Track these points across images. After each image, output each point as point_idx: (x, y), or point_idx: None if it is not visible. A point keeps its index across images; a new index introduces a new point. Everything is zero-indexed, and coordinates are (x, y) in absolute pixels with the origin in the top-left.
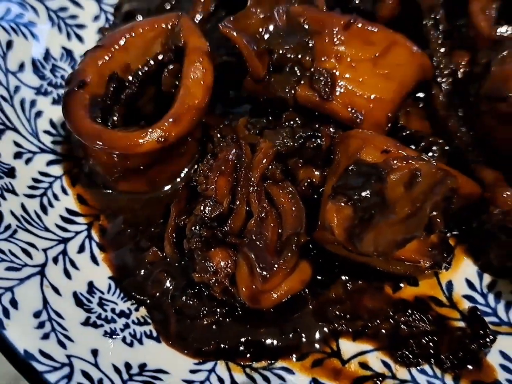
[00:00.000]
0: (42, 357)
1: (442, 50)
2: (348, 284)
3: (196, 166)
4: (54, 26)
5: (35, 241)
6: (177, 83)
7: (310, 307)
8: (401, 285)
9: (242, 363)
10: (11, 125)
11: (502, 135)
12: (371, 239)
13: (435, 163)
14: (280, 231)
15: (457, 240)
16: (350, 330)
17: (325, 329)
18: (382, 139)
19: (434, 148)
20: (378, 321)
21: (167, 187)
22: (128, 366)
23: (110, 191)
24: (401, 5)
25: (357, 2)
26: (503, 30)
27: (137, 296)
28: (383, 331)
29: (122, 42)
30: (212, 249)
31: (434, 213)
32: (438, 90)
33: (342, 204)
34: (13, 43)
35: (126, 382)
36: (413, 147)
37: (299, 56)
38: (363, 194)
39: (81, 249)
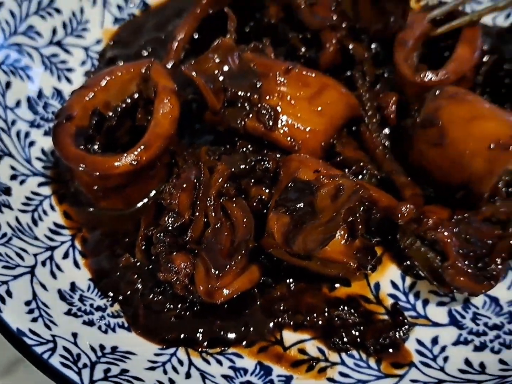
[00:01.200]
0: (32, 334)
1: (367, 95)
2: (291, 285)
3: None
4: (47, 70)
5: (26, 247)
6: (148, 118)
7: (258, 303)
8: (336, 285)
9: (199, 349)
10: (8, 152)
11: (431, 158)
12: (301, 240)
13: (355, 180)
14: (233, 239)
15: (385, 247)
16: (292, 323)
17: (271, 322)
18: (314, 161)
19: (364, 171)
20: (315, 314)
21: (139, 205)
22: (102, 347)
23: (92, 209)
24: (341, 55)
25: (303, 51)
26: (424, 75)
27: (112, 294)
28: (319, 323)
29: (103, 83)
30: (174, 253)
31: (354, 220)
32: (365, 127)
33: (281, 214)
34: (11, 83)
35: (100, 358)
36: (346, 170)
37: (248, 94)
38: (298, 205)
39: (66, 255)
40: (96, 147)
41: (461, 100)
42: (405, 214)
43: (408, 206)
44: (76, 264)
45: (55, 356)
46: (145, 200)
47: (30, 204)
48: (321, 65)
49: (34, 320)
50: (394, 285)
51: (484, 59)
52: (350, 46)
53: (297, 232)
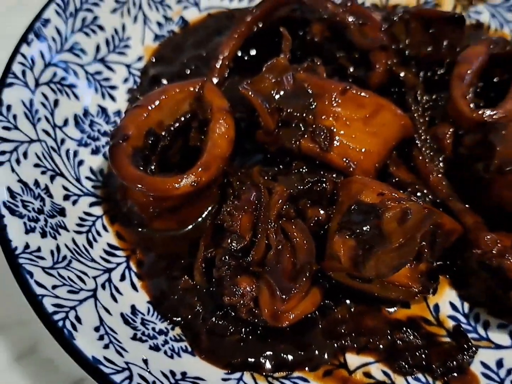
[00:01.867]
0: (107, 362)
1: (421, 120)
2: (351, 307)
3: (217, 206)
4: (91, 87)
5: (86, 270)
6: (202, 137)
7: (320, 326)
8: (395, 308)
9: (264, 374)
10: (59, 171)
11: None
12: (372, 265)
13: (422, 203)
14: (294, 260)
15: (443, 271)
16: (355, 345)
17: (333, 345)
18: (378, 184)
19: (418, 194)
20: (377, 337)
21: (192, 225)
22: (172, 373)
23: (144, 229)
24: (389, 75)
25: (351, 70)
26: (485, 112)
27: (172, 318)
28: (382, 346)
29: (157, 102)
30: (239, 276)
31: (422, 243)
32: (418, 151)
33: (347, 237)
34: (59, 101)
35: None
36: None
37: (303, 115)
38: (364, 228)
39: (123, 277)
40: (152, 167)
41: None
42: (489, 243)
43: (492, 236)
44: (133, 286)
45: None
46: (199, 221)
47: (83, 225)
48: (370, 85)
49: (106, 346)
50: (453, 306)
51: None
52: (402, 74)
53: (367, 257)
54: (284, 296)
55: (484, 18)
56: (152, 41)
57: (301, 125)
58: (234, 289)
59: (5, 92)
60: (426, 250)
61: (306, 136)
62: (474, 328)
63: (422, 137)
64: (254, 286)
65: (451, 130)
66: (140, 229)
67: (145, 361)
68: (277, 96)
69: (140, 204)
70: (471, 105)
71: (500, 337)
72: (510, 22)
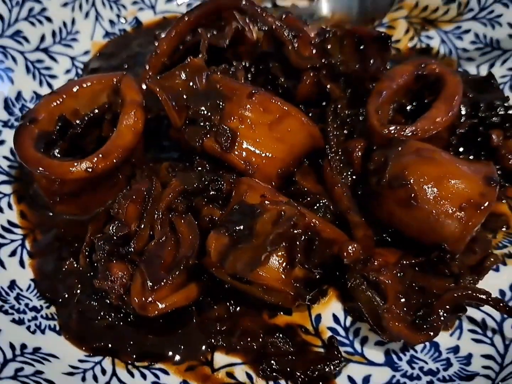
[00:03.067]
0: None
1: (336, 132)
2: (231, 307)
3: None
4: (29, 74)
5: None
6: (114, 129)
7: (194, 321)
8: (278, 313)
9: (126, 361)
10: None
11: (401, 217)
12: (231, 261)
13: (298, 208)
14: (176, 254)
15: (332, 282)
16: (225, 345)
17: (204, 342)
18: (262, 186)
19: (320, 204)
20: (249, 339)
21: (95, 212)
22: (23, 346)
23: (49, 212)
24: (317, 88)
25: (282, 80)
26: (392, 129)
27: (50, 297)
28: (252, 348)
29: (74, 90)
30: (113, 261)
31: (292, 248)
32: (327, 162)
33: (221, 234)
34: None
35: (17, 356)
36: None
37: (209, 114)
38: (238, 227)
39: (13, 253)
40: (56, 152)
41: (428, 159)
42: (351, 254)
43: (354, 245)
44: (21, 263)
45: None
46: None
47: None
48: (297, 96)
49: None
50: (335, 319)
51: (462, 119)
52: (328, 86)
53: (230, 253)
54: (153, 285)
55: (435, 43)
56: (102, 37)
57: (206, 124)
58: (106, 273)
59: None
60: (298, 255)
61: (209, 135)
62: (351, 342)
63: (334, 149)
64: (126, 273)
65: (362, 144)
66: (44, 212)
67: None
68: (186, 94)
69: (43, 187)
70: (383, 121)
71: (374, 353)
72: (459, 49)
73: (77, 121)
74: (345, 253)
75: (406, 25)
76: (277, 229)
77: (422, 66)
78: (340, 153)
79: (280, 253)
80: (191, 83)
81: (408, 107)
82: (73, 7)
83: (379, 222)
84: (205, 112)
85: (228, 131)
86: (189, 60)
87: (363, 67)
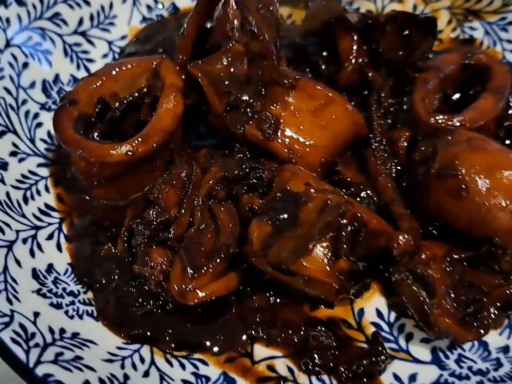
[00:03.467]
0: None
1: (380, 121)
2: (271, 298)
3: None
4: (67, 57)
5: (10, 222)
6: (153, 113)
7: (234, 311)
8: (319, 306)
9: (165, 350)
10: (12, 129)
11: (450, 209)
12: (276, 250)
13: (345, 196)
14: (216, 242)
15: (375, 275)
16: (265, 337)
17: (244, 333)
18: (307, 174)
19: (363, 195)
20: (290, 331)
21: (133, 197)
22: (62, 330)
23: (86, 196)
24: (359, 78)
25: (323, 67)
26: (439, 118)
27: (86, 281)
28: (293, 341)
29: (113, 73)
30: (153, 247)
31: (338, 238)
32: (370, 151)
33: (264, 222)
34: (29, 64)
35: (56, 340)
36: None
37: (252, 100)
38: (282, 215)
39: (50, 237)
40: (95, 134)
41: (479, 149)
42: (402, 245)
43: (405, 236)
44: (58, 247)
45: (7, 331)
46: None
47: (24, 182)
48: (339, 83)
49: None
50: (379, 313)
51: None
52: (370, 74)
53: (274, 241)
54: (192, 272)
55: (478, 34)
56: (139, 22)
57: (248, 110)
58: (146, 259)
59: None
60: (344, 246)
61: (251, 122)
62: (396, 339)
63: (378, 139)
64: (166, 260)
65: (407, 134)
66: (82, 195)
67: (36, 314)
68: (228, 80)
69: (82, 170)
70: (429, 110)
71: (420, 351)
72: (503, 40)
73: (116, 104)
74: (395, 244)
75: (448, 15)
76: (326, 217)
77: (469, 55)
78: (384, 142)
79: (325, 244)
80: (232, 69)
81: (453, 97)
82: None
83: (425, 214)
84: (247, 98)
85: (271, 118)
86: (230, 45)
87: (407, 54)
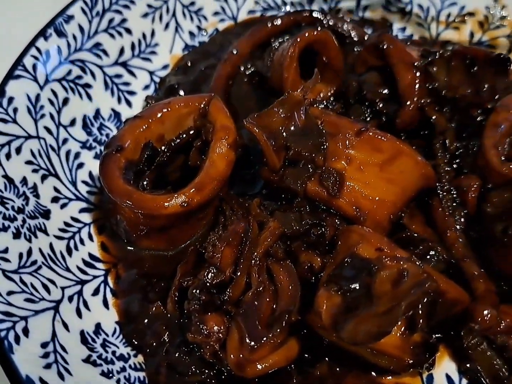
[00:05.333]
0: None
1: (447, 168)
2: (333, 365)
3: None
4: (107, 90)
5: (55, 279)
6: (203, 157)
7: (295, 381)
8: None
9: None
10: (54, 172)
11: None
12: (351, 329)
13: (422, 266)
14: (274, 306)
15: (444, 340)
16: None
17: None
18: (378, 237)
19: (432, 253)
20: None
21: (182, 247)
22: None
23: (131, 247)
24: (419, 117)
25: (380, 106)
26: None
27: (136, 343)
28: None
29: (159, 115)
30: (209, 314)
31: (414, 312)
32: (438, 202)
33: (333, 292)
34: (69, 100)
35: None
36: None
37: (313, 155)
38: (353, 285)
39: (96, 292)
40: (145, 183)
41: None
42: (487, 320)
43: (491, 311)
44: (105, 303)
45: None
46: (189, 243)
47: (67, 230)
48: (398, 123)
49: (48, 366)
50: (449, 380)
51: None
52: (433, 117)
53: (348, 318)
54: (253, 344)
55: None
56: (181, 50)
57: (309, 166)
58: (201, 327)
59: (10, 84)
60: (421, 320)
61: (313, 178)
62: None
63: (445, 188)
64: (223, 327)
65: (477, 183)
66: (127, 245)
67: None
68: (285, 133)
69: (129, 220)
70: (503, 158)
71: None
72: None
73: (163, 148)
74: (479, 319)
75: (508, 44)
76: (410, 298)
77: None
78: (452, 191)
79: None
80: (289, 121)
81: None
82: (153, 18)
83: (502, 274)
84: (307, 153)
85: (334, 173)
86: (287, 94)
87: (474, 93)
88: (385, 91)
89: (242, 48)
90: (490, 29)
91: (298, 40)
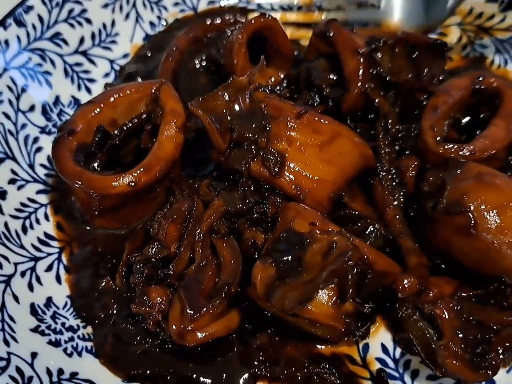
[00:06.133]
0: None
1: (387, 149)
2: (274, 336)
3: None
4: (67, 77)
5: (8, 255)
6: (154, 140)
7: (236, 350)
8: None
9: None
10: (11, 155)
11: (458, 246)
12: (279, 297)
13: (350, 239)
14: (216, 280)
15: (380, 311)
16: (268, 374)
17: (245, 372)
18: (311, 213)
19: (371, 229)
20: (293, 369)
21: (134, 226)
22: (60, 371)
23: (86, 226)
24: (364, 101)
25: (327, 91)
26: (448, 148)
27: (85, 315)
28: (298, 378)
29: (111, 100)
30: (152, 286)
31: (344, 282)
32: (378, 182)
33: (268, 264)
34: (28, 87)
35: (54, 383)
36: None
37: (256, 137)
38: (286, 257)
39: (49, 268)
40: (95, 165)
41: (489, 185)
42: (407, 288)
43: (411, 279)
44: (58, 278)
45: (3, 377)
46: (142, 222)
47: (23, 210)
48: (344, 107)
49: None
50: (384, 349)
51: None
52: (376, 100)
53: (278, 287)
54: (192, 313)
55: (489, 52)
56: (141, 39)
57: (253, 147)
58: (144, 298)
59: None
60: (350, 290)
61: (256, 159)
62: (401, 375)
63: (385, 168)
64: (165, 299)
65: (415, 163)
66: (81, 224)
67: (34, 355)
68: (230, 116)
69: (82, 200)
70: (438, 138)
71: None
72: None
73: (115, 131)
74: (400, 287)
75: (459, 32)
76: (331, 266)
77: (479, 79)
78: (392, 171)
79: (330, 287)
80: (234, 104)
81: (462, 121)
82: (113, 8)
83: (433, 248)
84: (251, 134)
85: (276, 154)
86: (231, 79)
87: (415, 77)
88: (333, 77)
89: (180, 44)
90: None
91: (246, 27)
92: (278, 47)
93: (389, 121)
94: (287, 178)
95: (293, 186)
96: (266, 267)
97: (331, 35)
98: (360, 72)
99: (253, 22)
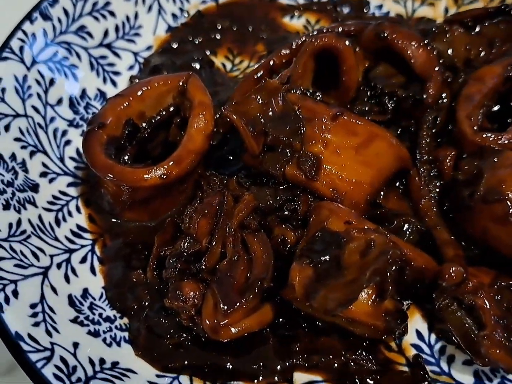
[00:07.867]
0: (30, 340)
1: (428, 140)
2: (307, 327)
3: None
4: (93, 71)
5: (44, 247)
6: (182, 133)
7: (271, 343)
8: None
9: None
10: (42, 149)
11: (496, 234)
12: (321, 298)
13: (388, 236)
14: (248, 274)
15: (416, 300)
16: (305, 364)
17: (282, 363)
18: (346, 211)
19: (406, 226)
20: (330, 356)
21: (164, 218)
22: (102, 361)
23: (116, 219)
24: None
25: (403, 94)
26: (486, 136)
27: (119, 306)
28: (334, 366)
29: (139, 93)
30: (185, 281)
31: (383, 279)
32: (415, 172)
33: (305, 265)
34: (55, 80)
35: (97, 373)
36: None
37: (290, 140)
38: (323, 258)
39: (83, 260)
40: (126, 158)
41: None
42: (453, 277)
43: (458, 268)
44: (92, 270)
45: (49, 366)
46: (171, 214)
47: (56, 203)
48: (426, 100)
49: (36, 324)
50: (419, 335)
51: None
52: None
53: (319, 288)
54: (226, 309)
55: None
56: (164, 31)
57: (287, 150)
58: (177, 293)
59: None
60: (389, 288)
61: (291, 162)
62: (437, 361)
63: (424, 159)
64: (198, 293)
65: (453, 153)
66: (112, 217)
67: (75, 345)
68: (263, 119)
69: (112, 193)
70: (475, 128)
71: (463, 374)
72: None
73: (144, 124)
74: (446, 276)
75: None
76: (375, 265)
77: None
78: (430, 161)
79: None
80: (267, 107)
81: (493, 109)
82: (136, 1)
83: (470, 237)
84: (285, 137)
85: (311, 157)
86: (264, 81)
87: (489, 51)
88: (400, 78)
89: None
90: (464, 4)
91: (310, 44)
92: (343, 75)
93: (438, 118)
94: (324, 181)
95: (330, 189)
96: (303, 268)
97: (387, 35)
98: (435, 59)
99: (318, 41)
